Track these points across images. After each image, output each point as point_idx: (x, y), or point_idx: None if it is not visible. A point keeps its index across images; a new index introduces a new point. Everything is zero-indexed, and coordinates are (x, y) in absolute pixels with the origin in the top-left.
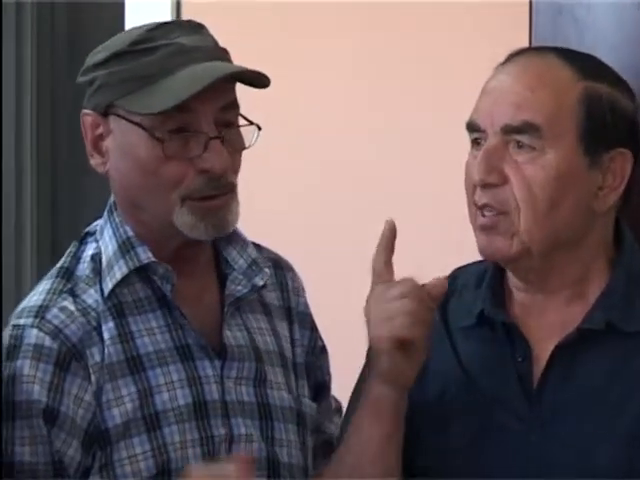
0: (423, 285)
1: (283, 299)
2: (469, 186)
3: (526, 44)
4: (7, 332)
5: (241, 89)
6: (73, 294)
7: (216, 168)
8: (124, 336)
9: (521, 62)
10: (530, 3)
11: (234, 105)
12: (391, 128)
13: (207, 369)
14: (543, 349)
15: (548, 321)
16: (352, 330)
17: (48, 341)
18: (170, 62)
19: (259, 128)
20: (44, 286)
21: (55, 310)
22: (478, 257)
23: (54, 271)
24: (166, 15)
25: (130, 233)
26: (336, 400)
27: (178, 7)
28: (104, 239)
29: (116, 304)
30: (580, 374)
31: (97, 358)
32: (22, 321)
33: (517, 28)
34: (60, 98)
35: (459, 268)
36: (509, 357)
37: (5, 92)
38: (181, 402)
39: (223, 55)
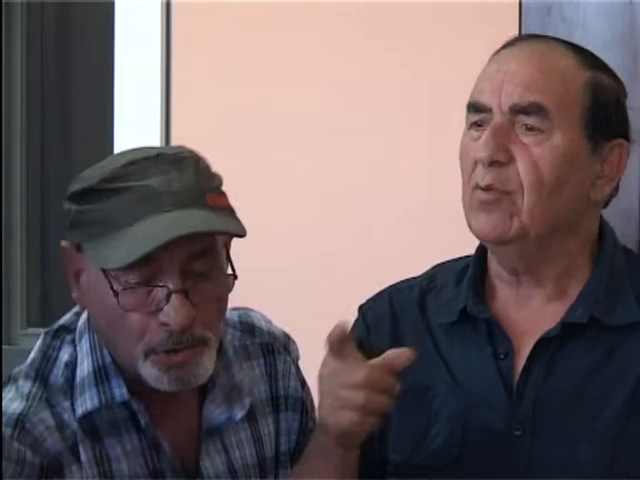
0: (384, 358)
1: (271, 389)
2: (467, 166)
3: None
4: None
5: (242, 88)
6: (50, 404)
7: (175, 325)
8: (100, 458)
9: (527, 46)
10: (520, 3)
11: (207, 253)
12: (381, 126)
13: None
14: (525, 344)
15: (530, 316)
16: None
17: (29, 456)
18: (133, 209)
19: (235, 277)
20: (22, 389)
21: (35, 420)
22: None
23: (31, 372)
24: (156, 15)
25: (107, 359)
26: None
27: (168, 7)
28: (81, 350)
29: (91, 426)
30: (562, 369)
31: (76, 475)
32: (3, 430)
33: (506, 28)
34: (49, 97)
35: (439, 265)
36: (490, 354)
37: None
38: None
39: (199, 198)
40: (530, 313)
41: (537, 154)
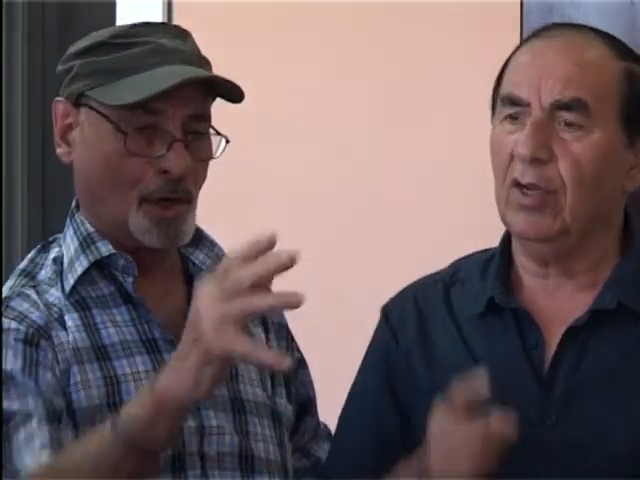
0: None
1: None
2: (502, 161)
3: (517, 44)
4: None
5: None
6: (36, 290)
7: (175, 170)
8: (88, 326)
9: (561, 37)
10: (521, 2)
11: (205, 117)
12: (381, 126)
13: None
14: (553, 334)
15: (558, 305)
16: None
17: (14, 325)
18: (146, 59)
19: (227, 141)
20: (9, 283)
21: (18, 299)
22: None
23: (15, 272)
24: (157, 15)
25: (91, 229)
26: (325, 426)
27: (169, 6)
28: (66, 241)
29: (79, 299)
30: (592, 357)
31: (63, 339)
32: None
33: (508, 27)
34: (51, 97)
35: (462, 258)
36: (519, 344)
37: None
38: None
39: (202, 63)
40: (559, 303)
41: (578, 151)
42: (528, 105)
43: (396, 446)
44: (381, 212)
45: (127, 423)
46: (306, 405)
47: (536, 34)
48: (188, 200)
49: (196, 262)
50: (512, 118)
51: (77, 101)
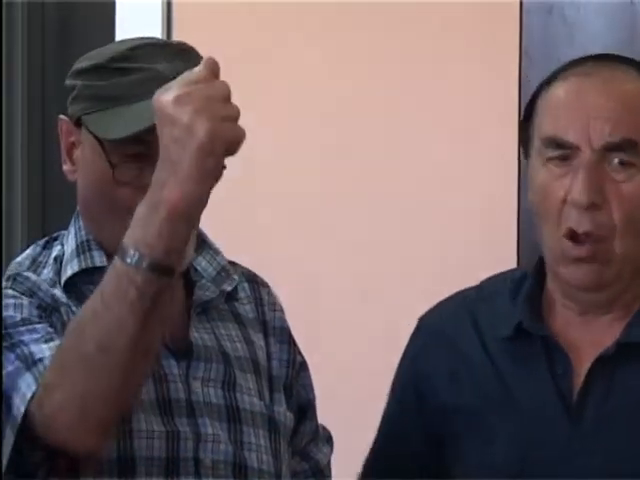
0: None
1: (258, 312)
2: (553, 207)
3: (516, 44)
4: None
5: (243, 88)
6: (37, 283)
7: None
8: None
9: (600, 74)
10: (520, 3)
11: None
12: (380, 128)
13: (172, 368)
14: (582, 363)
15: (590, 336)
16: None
17: (26, 299)
18: (139, 89)
19: (223, 167)
20: (8, 273)
21: (26, 274)
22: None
23: (14, 265)
24: (156, 15)
25: (89, 236)
26: (325, 429)
27: (169, 7)
28: (67, 241)
29: (81, 298)
30: (620, 389)
31: (66, 320)
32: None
33: (507, 28)
34: (50, 96)
35: (491, 277)
36: (547, 371)
37: None
38: (144, 397)
39: None
40: (591, 334)
41: (630, 191)
42: (577, 148)
43: (423, 459)
44: (381, 212)
45: (141, 248)
46: (305, 408)
47: (570, 69)
48: None
49: (198, 268)
50: (559, 160)
51: (77, 122)
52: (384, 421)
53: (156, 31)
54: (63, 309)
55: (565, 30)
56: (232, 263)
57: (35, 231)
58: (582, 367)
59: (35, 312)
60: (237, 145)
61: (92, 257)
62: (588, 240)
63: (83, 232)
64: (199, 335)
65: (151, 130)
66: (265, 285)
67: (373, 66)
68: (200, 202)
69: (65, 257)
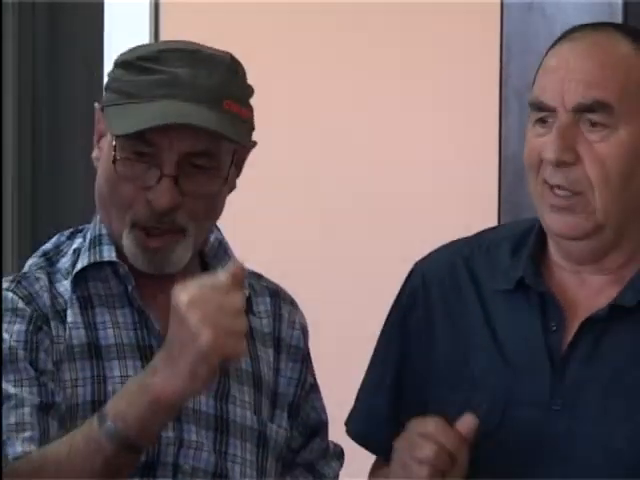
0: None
1: (274, 328)
2: (534, 163)
3: (497, 40)
4: None
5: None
6: (49, 276)
7: (157, 205)
8: (88, 324)
9: (585, 40)
10: (501, 1)
11: (209, 154)
12: (365, 125)
13: None
14: (575, 321)
15: (585, 297)
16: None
17: (21, 305)
18: (153, 89)
19: (226, 180)
20: (27, 262)
21: (32, 279)
22: None
23: (39, 251)
24: (145, 16)
25: (103, 231)
26: (336, 445)
27: (157, 8)
28: (86, 235)
29: (86, 296)
30: (606, 352)
31: (60, 333)
32: (3, 285)
33: (488, 24)
34: (41, 96)
35: (491, 228)
36: (540, 326)
37: None
38: None
39: (216, 100)
40: (586, 294)
41: (603, 151)
42: (554, 109)
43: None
44: (381, 212)
45: (119, 423)
46: (317, 428)
47: (563, 37)
48: (181, 231)
49: None
50: (542, 122)
51: (102, 111)
52: (370, 365)
53: (144, 32)
54: (53, 323)
55: (545, 27)
56: (258, 275)
57: (24, 245)
58: (573, 325)
59: (22, 337)
60: (235, 359)
61: (101, 251)
62: (562, 193)
63: (97, 227)
64: None
65: (159, 132)
66: (289, 301)
67: (358, 64)
68: (184, 398)
69: (82, 250)
